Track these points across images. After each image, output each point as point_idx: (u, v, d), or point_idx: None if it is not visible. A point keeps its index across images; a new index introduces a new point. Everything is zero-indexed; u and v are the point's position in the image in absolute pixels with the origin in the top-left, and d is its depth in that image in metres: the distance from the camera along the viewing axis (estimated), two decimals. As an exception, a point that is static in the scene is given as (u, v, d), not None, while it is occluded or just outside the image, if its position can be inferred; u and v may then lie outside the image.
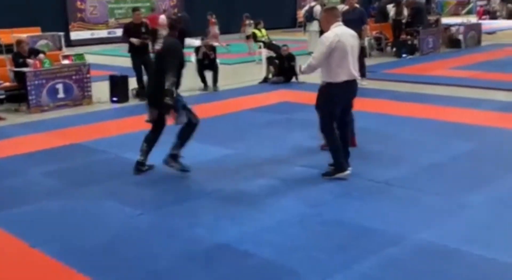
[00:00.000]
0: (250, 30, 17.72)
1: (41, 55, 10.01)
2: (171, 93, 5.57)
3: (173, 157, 5.86)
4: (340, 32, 5.52)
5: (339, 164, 5.58)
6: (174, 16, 6.03)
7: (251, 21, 18.20)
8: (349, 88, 5.59)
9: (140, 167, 5.98)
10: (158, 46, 5.94)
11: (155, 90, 5.73)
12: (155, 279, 3.79)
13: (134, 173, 5.93)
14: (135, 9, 10.98)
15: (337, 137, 5.60)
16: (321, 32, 6.10)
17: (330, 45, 5.38)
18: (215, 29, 19.00)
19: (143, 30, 10.34)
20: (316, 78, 12.88)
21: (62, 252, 4.18)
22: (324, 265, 3.85)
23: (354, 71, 5.54)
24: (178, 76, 5.69)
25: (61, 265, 3.99)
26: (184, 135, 5.85)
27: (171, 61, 5.61)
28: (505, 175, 5.59)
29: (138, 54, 10.19)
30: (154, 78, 5.87)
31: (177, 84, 5.70)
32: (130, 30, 10.28)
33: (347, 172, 5.57)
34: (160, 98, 5.56)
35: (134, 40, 10.06)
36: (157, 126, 5.94)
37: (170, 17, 6.10)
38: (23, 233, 4.55)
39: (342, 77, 5.46)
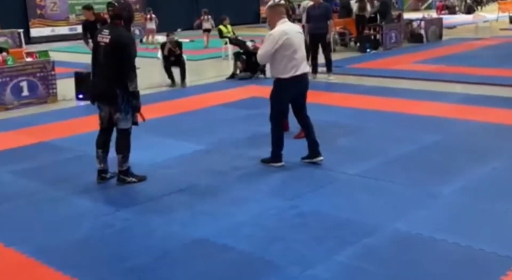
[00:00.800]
0: (207, 25, 19.51)
1: (4, 53, 9.79)
2: (138, 94, 5.37)
3: (125, 173, 5.56)
4: (287, 28, 5.65)
5: (274, 154, 5.89)
6: (116, 2, 5.38)
7: (209, 16, 19.72)
8: (298, 83, 5.72)
9: (103, 175, 5.60)
10: (103, 37, 5.31)
11: (106, 87, 5.31)
12: (133, 276, 3.76)
13: (97, 182, 5.56)
14: (84, 7, 10.95)
15: (282, 130, 5.94)
16: None
17: (277, 43, 5.53)
18: (151, 25, 20.17)
19: (99, 26, 10.23)
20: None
21: (38, 251, 4.12)
22: (303, 257, 3.90)
23: (303, 65, 5.72)
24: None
25: (39, 264, 3.93)
26: (124, 146, 5.50)
27: (130, 57, 5.26)
28: (472, 166, 5.75)
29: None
30: (103, 73, 5.34)
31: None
32: (88, 27, 10.19)
33: (281, 163, 5.87)
34: (112, 95, 5.26)
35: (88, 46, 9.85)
36: (108, 126, 5.52)
37: (113, 4, 5.35)
38: (-4, 233, 4.47)
39: (290, 73, 5.62)
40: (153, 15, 20.21)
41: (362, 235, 4.19)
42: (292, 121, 6.38)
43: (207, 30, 19.41)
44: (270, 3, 5.91)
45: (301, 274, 3.67)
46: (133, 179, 5.58)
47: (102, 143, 5.55)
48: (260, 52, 5.73)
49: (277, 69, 5.68)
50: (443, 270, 3.71)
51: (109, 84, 5.29)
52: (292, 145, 6.25)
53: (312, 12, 11.45)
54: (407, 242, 4.10)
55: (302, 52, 5.74)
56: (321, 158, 5.89)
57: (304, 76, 5.78)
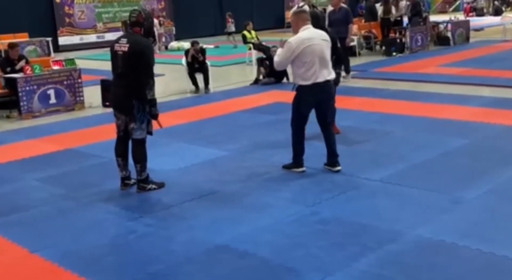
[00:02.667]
0: (232, 27, 21.19)
1: (21, 62, 9.98)
2: (155, 102, 5.43)
3: (145, 181, 5.60)
4: (308, 35, 5.56)
5: (295, 159, 5.89)
6: (142, 11, 5.50)
7: (233, 20, 21.24)
8: (318, 90, 5.61)
9: (126, 182, 5.67)
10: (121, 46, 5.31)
11: (124, 97, 5.35)
12: (156, 282, 3.80)
13: (121, 189, 5.64)
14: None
15: (302, 136, 5.87)
16: None
17: (294, 50, 5.48)
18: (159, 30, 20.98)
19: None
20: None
21: (62, 257, 4.19)
22: (324, 263, 3.88)
23: (324, 73, 5.59)
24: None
25: (63, 270, 3.99)
26: (141, 155, 5.54)
27: (149, 64, 5.28)
28: (498, 170, 5.66)
29: None
30: (120, 82, 5.36)
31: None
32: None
33: (302, 168, 5.88)
34: (129, 106, 5.32)
35: None
36: (125, 135, 5.55)
37: (138, 11, 5.43)
38: (22, 239, 4.55)
39: (311, 79, 5.53)
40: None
41: (384, 242, 4.16)
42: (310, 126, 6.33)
43: (231, 33, 20.79)
44: (294, 9, 5.94)
45: (321, 280, 3.66)
46: (153, 186, 5.63)
47: (121, 152, 5.61)
48: (276, 59, 5.72)
49: (298, 75, 5.64)
50: (465, 277, 3.65)
51: (127, 94, 5.33)
52: (314, 150, 6.23)
53: (332, 17, 11.43)
54: (430, 249, 4.05)
55: (325, 59, 5.61)
56: (338, 168, 5.83)
57: (326, 83, 5.64)
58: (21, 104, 9.47)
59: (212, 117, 8.98)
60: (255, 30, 16.24)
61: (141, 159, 5.53)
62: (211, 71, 11.71)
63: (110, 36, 23.36)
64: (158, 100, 5.66)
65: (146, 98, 5.32)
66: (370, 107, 9.12)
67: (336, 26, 11.19)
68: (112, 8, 24.01)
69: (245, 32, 15.66)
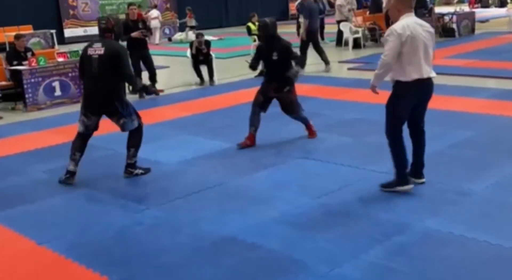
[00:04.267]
0: (193, 21, 21.41)
1: (28, 54, 10.02)
2: (146, 86, 6.28)
3: (133, 166, 5.81)
4: (410, 24, 4.78)
5: (400, 175, 4.97)
6: (111, 18, 5.80)
7: (194, 15, 21.61)
8: (420, 88, 4.85)
9: (72, 177, 5.71)
10: (96, 49, 5.55)
11: (106, 101, 5.56)
12: (163, 273, 3.80)
13: (67, 181, 5.66)
14: (130, 4, 10.93)
15: (402, 145, 4.99)
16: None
17: (401, 37, 4.68)
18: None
19: (141, 25, 10.30)
20: (312, 70, 12.92)
21: (69, 249, 4.20)
22: (331, 255, 3.88)
23: (427, 68, 4.82)
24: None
25: (70, 261, 4.00)
26: (137, 141, 5.79)
27: (127, 63, 5.59)
28: (505, 162, 5.63)
29: (137, 50, 10.08)
30: (98, 86, 5.53)
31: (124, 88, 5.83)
32: (128, 26, 10.19)
33: (409, 186, 4.97)
34: (113, 109, 5.56)
35: (135, 33, 9.98)
36: (91, 133, 5.83)
37: (107, 18, 5.75)
38: (29, 231, 4.56)
39: (412, 75, 4.76)
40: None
41: (392, 234, 4.15)
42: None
43: (192, 27, 20.86)
44: None
45: (329, 272, 3.66)
46: (140, 171, 5.82)
47: (81, 148, 5.80)
48: (385, 59, 4.77)
49: (397, 70, 4.82)
50: (473, 268, 3.65)
51: (107, 98, 5.55)
52: (318, 141, 6.20)
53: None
54: (437, 241, 4.04)
55: (428, 53, 4.84)
56: (423, 180, 5.15)
57: (429, 81, 4.87)
58: (26, 96, 9.48)
59: (217, 109, 8.97)
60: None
61: (136, 144, 5.78)
62: (216, 63, 11.68)
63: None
64: (163, 92, 5.78)
65: (122, 98, 5.65)
66: (375, 99, 9.03)
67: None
68: (116, 0, 23.97)
69: (250, 24, 15.59)
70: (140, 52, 10.15)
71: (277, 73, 6.61)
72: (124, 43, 10.22)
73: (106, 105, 5.58)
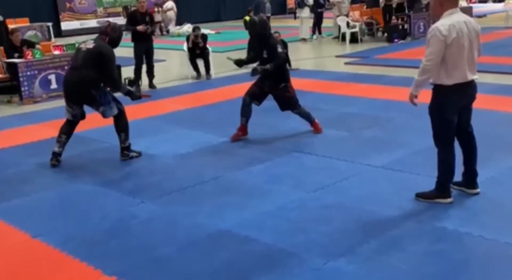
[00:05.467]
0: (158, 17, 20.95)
1: (37, 46, 10.01)
2: (131, 91, 6.27)
3: (128, 149, 6.10)
4: (457, 23, 4.29)
5: (442, 186, 4.58)
6: (112, 25, 6.23)
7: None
8: (463, 92, 4.44)
9: (59, 157, 6.00)
10: (87, 44, 5.92)
11: (83, 91, 5.83)
12: (158, 266, 3.80)
13: (51, 164, 5.93)
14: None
15: (452, 154, 4.56)
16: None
17: (446, 40, 4.23)
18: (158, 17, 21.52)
19: (147, 19, 10.32)
20: (309, 64, 12.91)
21: (64, 242, 4.20)
22: (326, 249, 3.88)
23: (471, 71, 4.41)
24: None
25: (65, 254, 4.00)
26: (124, 125, 6.07)
27: (113, 65, 5.89)
28: (500, 158, 5.63)
29: (141, 42, 10.17)
30: (76, 73, 5.82)
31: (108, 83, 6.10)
32: (136, 19, 10.21)
33: (451, 199, 4.57)
34: (90, 98, 5.84)
35: (140, 27, 9.99)
36: (78, 121, 6.12)
37: (109, 23, 6.26)
38: (23, 224, 4.55)
39: (455, 80, 4.36)
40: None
41: (387, 228, 4.16)
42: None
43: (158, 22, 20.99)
44: None
45: (324, 266, 3.66)
46: (135, 154, 6.11)
47: (68, 131, 6.05)
48: (427, 63, 4.32)
49: (438, 73, 4.38)
50: (467, 263, 3.66)
51: (83, 86, 5.78)
52: (313, 135, 6.19)
53: None
54: (432, 235, 4.05)
55: (472, 54, 4.40)
56: (477, 190, 4.70)
57: (471, 83, 4.47)
58: (22, 89, 9.45)
59: (214, 103, 8.95)
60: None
61: (124, 128, 6.04)
62: (213, 57, 11.66)
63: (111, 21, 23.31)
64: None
65: (99, 87, 5.86)
66: (372, 93, 9.09)
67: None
68: (111, -7, 23.89)
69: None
70: (145, 44, 10.22)
71: (271, 71, 6.57)
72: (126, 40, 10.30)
73: (81, 93, 5.84)
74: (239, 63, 7.05)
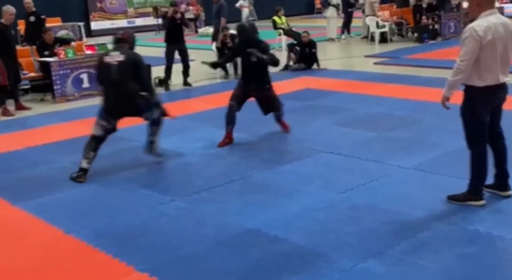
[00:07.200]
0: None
1: (73, 43, 10.24)
2: (160, 103, 6.08)
3: (153, 143, 6.07)
4: (493, 24, 4.21)
5: (474, 188, 4.51)
6: (126, 31, 6.53)
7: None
8: (494, 94, 4.39)
9: (86, 175, 5.70)
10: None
11: (129, 105, 5.76)
12: (187, 264, 3.84)
13: (78, 180, 5.61)
14: (171, 5, 11.10)
15: (485, 155, 4.48)
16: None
17: (481, 41, 4.16)
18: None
19: (179, 21, 10.54)
20: (338, 64, 12.83)
21: (96, 238, 4.27)
22: (356, 250, 3.87)
23: (504, 73, 4.34)
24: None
25: (97, 250, 4.07)
26: (158, 120, 6.01)
27: (145, 70, 5.99)
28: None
29: (174, 43, 10.45)
30: (119, 89, 5.69)
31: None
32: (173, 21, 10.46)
33: (483, 201, 4.50)
34: (137, 110, 5.80)
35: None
36: (108, 135, 5.94)
37: (124, 32, 6.41)
38: (57, 220, 4.64)
39: (487, 81, 4.30)
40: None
41: (417, 229, 4.13)
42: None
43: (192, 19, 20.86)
44: None
45: (353, 267, 3.65)
46: (158, 151, 6.08)
47: (97, 147, 5.84)
48: (462, 58, 4.24)
49: (470, 74, 4.30)
50: (499, 266, 3.61)
51: (130, 100, 5.73)
52: (341, 134, 6.17)
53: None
54: (464, 238, 4.01)
55: (507, 56, 4.32)
56: (509, 193, 4.63)
57: (503, 85, 4.40)
58: (55, 87, 9.61)
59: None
60: (285, 15, 16.11)
61: (157, 123, 6.00)
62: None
63: (141, 21, 23.54)
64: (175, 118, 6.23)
65: (141, 94, 5.78)
66: (402, 94, 9.01)
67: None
68: (141, -7, 24.11)
69: (275, 18, 15.55)
70: (177, 45, 10.47)
71: (256, 73, 6.67)
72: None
73: (128, 107, 5.78)
74: (214, 65, 7.33)
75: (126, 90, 5.68)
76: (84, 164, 5.70)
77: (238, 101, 6.73)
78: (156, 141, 6.05)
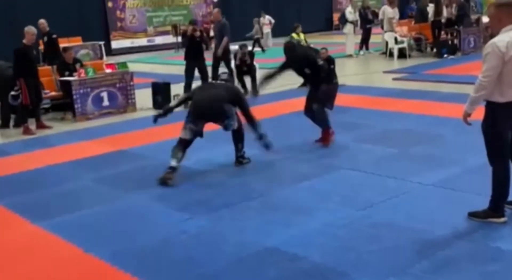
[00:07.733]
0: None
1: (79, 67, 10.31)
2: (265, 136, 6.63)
3: (243, 157, 6.53)
4: None
5: (496, 205, 4.46)
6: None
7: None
8: None
9: (175, 173, 6.00)
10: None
11: (218, 107, 6.16)
12: (207, 283, 3.84)
13: (169, 177, 5.90)
14: (190, 23, 11.28)
15: (508, 171, 4.42)
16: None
17: (504, 56, 4.13)
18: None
19: (198, 38, 10.72)
20: (356, 80, 12.80)
21: (115, 256, 4.28)
22: (376, 268, 3.83)
23: None
24: None
25: (116, 269, 4.08)
26: (241, 136, 6.49)
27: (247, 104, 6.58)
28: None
29: (193, 61, 10.61)
30: (211, 96, 6.21)
31: None
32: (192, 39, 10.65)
33: (505, 218, 4.43)
34: (223, 113, 6.17)
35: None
36: (193, 140, 6.25)
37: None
38: (76, 238, 4.67)
39: (507, 97, 4.24)
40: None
41: (438, 247, 4.08)
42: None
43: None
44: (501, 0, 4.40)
45: (374, 285, 3.61)
46: (246, 161, 6.53)
47: (184, 151, 6.13)
48: (484, 74, 4.20)
49: (492, 89, 4.25)
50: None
51: (219, 104, 6.15)
52: (362, 151, 6.13)
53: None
54: (485, 255, 3.94)
55: None
56: (503, 219, 4.50)
57: None
58: (75, 106, 9.72)
59: (260, 119, 8.97)
60: (303, 32, 16.17)
61: (241, 139, 6.50)
62: (260, 73, 11.72)
63: (160, 40, 23.80)
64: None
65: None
66: (421, 109, 8.95)
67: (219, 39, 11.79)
68: (162, 12, 24.40)
69: (294, 35, 15.61)
70: (196, 62, 10.65)
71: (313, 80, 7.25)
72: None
73: (221, 111, 6.16)
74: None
75: (218, 96, 6.16)
76: (173, 163, 6.01)
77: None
78: (242, 154, 6.51)
